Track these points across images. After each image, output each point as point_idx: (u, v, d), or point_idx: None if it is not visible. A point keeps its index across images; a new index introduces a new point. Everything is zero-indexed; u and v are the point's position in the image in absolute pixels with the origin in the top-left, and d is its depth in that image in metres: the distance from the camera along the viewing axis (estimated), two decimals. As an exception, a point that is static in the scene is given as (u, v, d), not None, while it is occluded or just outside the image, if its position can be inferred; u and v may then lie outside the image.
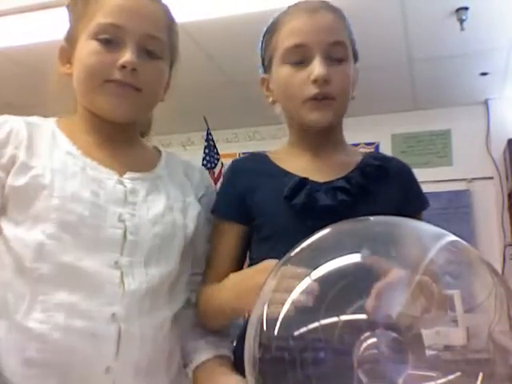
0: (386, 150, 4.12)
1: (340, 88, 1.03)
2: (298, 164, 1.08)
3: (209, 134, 4.01)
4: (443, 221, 4.01)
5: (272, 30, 1.11)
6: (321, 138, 1.08)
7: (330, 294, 0.54)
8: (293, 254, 0.63)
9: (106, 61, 0.99)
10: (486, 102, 4.06)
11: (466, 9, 2.82)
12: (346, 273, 0.56)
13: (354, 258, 0.56)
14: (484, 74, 3.60)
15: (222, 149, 3.99)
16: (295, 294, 0.57)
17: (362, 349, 0.48)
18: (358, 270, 0.56)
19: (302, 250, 0.62)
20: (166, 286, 1.02)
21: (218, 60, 3.37)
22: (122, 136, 1.09)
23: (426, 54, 3.33)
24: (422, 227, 0.62)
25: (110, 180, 1.01)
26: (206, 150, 3.99)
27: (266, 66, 1.13)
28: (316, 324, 0.53)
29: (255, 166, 1.11)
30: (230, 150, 4.28)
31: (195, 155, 4.19)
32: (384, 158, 1.12)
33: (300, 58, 1.03)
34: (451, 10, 2.84)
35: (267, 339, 0.57)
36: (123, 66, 0.98)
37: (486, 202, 4.00)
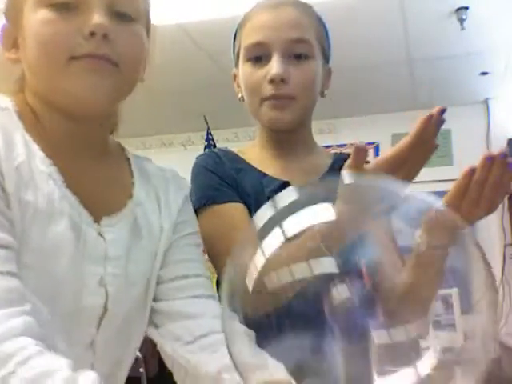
0: (386, 150, 4.10)
1: (300, 87, 0.99)
2: (272, 167, 1.05)
3: (209, 133, 4.01)
4: (443, 220, 4.01)
5: (240, 26, 1.08)
6: (287, 139, 1.05)
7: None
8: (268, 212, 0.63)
9: (65, 30, 0.74)
10: (486, 102, 4.06)
11: (466, 8, 2.82)
12: (320, 224, 0.57)
13: (328, 210, 0.56)
14: (484, 73, 3.60)
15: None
16: (268, 246, 0.56)
17: (332, 298, 0.50)
18: (333, 222, 0.57)
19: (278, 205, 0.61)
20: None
21: (218, 60, 3.38)
22: (95, 141, 0.84)
23: (426, 54, 3.33)
24: (392, 185, 0.64)
25: (90, 228, 0.78)
26: (206, 150, 3.99)
27: (236, 62, 1.10)
28: (288, 274, 0.54)
29: (231, 162, 1.05)
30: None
31: (195, 155, 4.18)
32: None
33: (259, 55, 1.00)
34: (451, 10, 2.85)
35: (242, 293, 0.58)
36: (92, 33, 0.73)
37: (486, 202, 3.99)
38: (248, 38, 1.02)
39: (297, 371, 0.54)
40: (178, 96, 3.86)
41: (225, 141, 4.20)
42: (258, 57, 0.99)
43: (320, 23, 1.06)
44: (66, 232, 0.74)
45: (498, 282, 3.87)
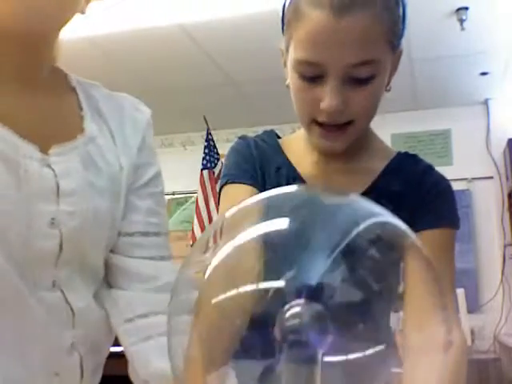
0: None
1: (360, 112, 0.84)
2: (309, 164, 0.94)
3: (209, 133, 4.01)
4: (443, 221, 4.02)
5: (292, 12, 0.84)
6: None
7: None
8: (225, 216, 0.59)
9: None
10: (485, 102, 4.06)
11: (466, 9, 2.82)
12: (269, 240, 0.53)
13: (280, 224, 0.53)
14: (484, 73, 3.60)
15: (222, 148, 3.99)
16: (215, 261, 0.53)
17: (283, 319, 0.46)
18: (283, 238, 0.53)
19: (231, 215, 0.58)
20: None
21: (218, 60, 3.37)
22: (34, 71, 0.75)
23: (426, 54, 3.33)
24: (362, 202, 0.57)
25: (31, 161, 0.69)
26: (206, 150, 3.99)
27: (285, 42, 0.89)
28: (235, 292, 0.51)
29: (267, 151, 0.96)
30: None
31: (195, 155, 4.19)
32: (412, 171, 0.95)
33: (312, 74, 0.82)
34: (451, 10, 2.85)
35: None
36: None
37: (486, 202, 4.00)
38: (299, 50, 0.82)
39: None
40: (178, 96, 3.86)
41: (225, 141, 4.20)
42: (311, 75, 0.82)
43: (394, 6, 0.83)
44: None
45: (497, 282, 3.88)
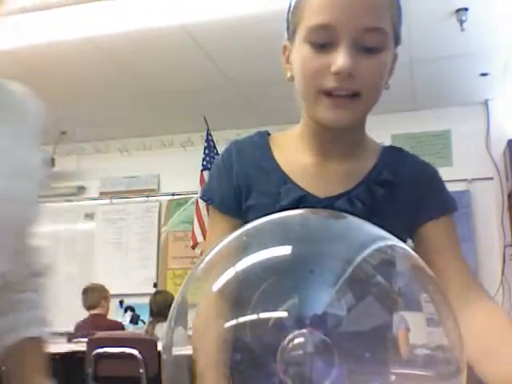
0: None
1: (368, 83, 0.85)
2: (301, 166, 0.95)
3: (209, 134, 4.01)
4: (443, 221, 4.02)
5: None
6: (337, 139, 0.94)
7: (253, 290, 0.51)
8: (221, 244, 0.57)
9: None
10: (485, 103, 4.06)
11: (466, 10, 2.82)
12: (273, 268, 0.52)
13: (283, 251, 0.52)
14: (484, 74, 3.61)
15: (222, 149, 4.00)
16: (216, 287, 0.51)
17: (286, 350, 0.45)
18: (287, 265, 0.51)
19: (230, 241, 0.56)
20: None
21: (219, 61, 3.38)
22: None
23: (426, 55, 3.33)
24: (364, 227, 0.56)
25: None
26: (206, 151, 4.00)
27: (290, 33, 0.92)
28: (234, 322, 0.50)
29: (255, 155, 0.97)
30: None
31: (196, 156, 4.19)
32: (400, 162, 0.97)
33: (324, 40, 0.84)
34: (451, 11, 2.85)
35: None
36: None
37: (486, 203, 4.00)
38: (312, 17, 0.85)
39: None
40: (178, 96, 3.86)
41: (225, 141, 4.20)
42: (322, 41, 0.85)
43: (397, 1, 0.90)
44: None
45: (497, 283, 3.88)
